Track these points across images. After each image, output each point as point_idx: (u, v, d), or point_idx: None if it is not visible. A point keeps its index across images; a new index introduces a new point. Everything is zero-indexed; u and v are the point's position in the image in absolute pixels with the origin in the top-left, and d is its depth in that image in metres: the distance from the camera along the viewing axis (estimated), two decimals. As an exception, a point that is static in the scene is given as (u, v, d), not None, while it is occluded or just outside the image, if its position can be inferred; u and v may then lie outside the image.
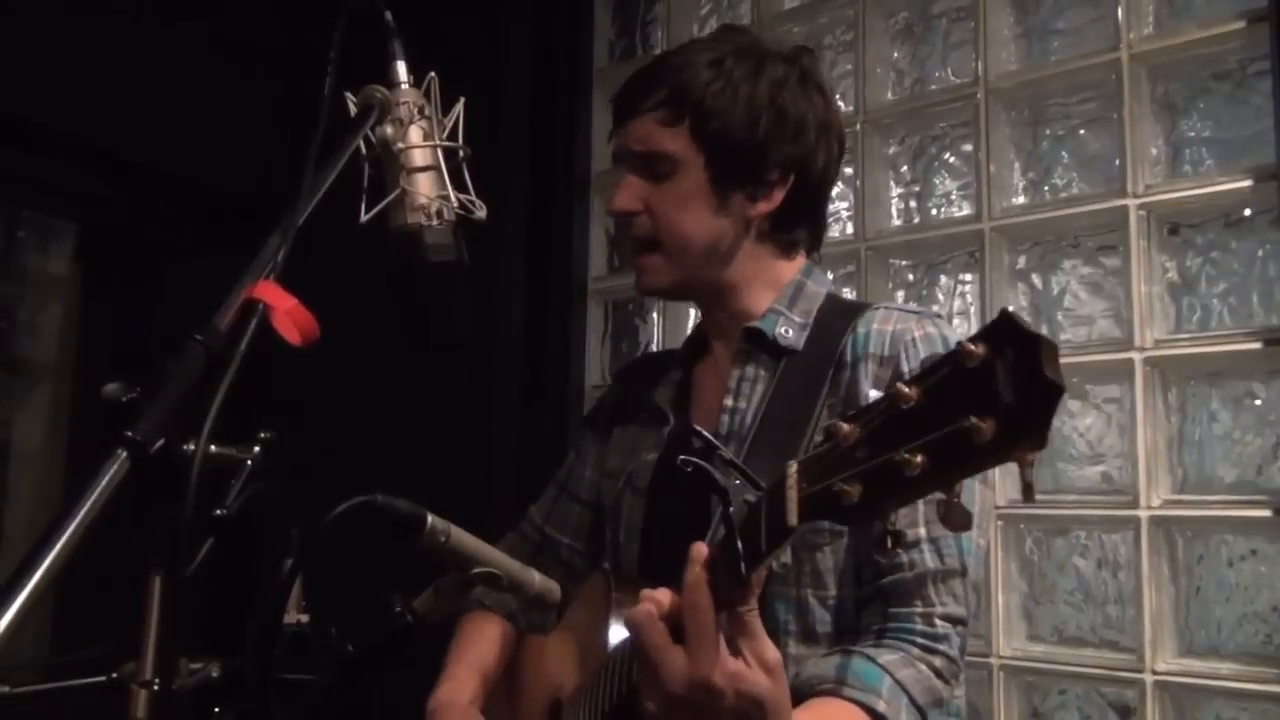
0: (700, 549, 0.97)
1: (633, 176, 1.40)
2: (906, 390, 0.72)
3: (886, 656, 1.18)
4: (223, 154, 2.81)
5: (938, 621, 1.21)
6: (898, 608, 1.22)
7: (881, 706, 1.13)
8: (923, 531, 1.23)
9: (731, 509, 0.91)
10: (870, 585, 1.25)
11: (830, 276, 2.45)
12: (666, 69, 1.39)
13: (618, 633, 1.25)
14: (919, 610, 1.21)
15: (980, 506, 1.27)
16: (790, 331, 1.38)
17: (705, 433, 0.98)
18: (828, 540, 1.28)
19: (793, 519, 0.83)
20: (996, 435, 0.66)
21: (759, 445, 1.32)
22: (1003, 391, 0.66)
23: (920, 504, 1.21)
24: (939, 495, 0.72)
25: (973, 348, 0.68)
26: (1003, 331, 0.67)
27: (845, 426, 0.77)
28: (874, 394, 0.79)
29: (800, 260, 1.46)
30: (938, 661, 1.19)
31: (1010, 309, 0.69)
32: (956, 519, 0.72)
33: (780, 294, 1.42)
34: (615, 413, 1.62)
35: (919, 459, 0.70)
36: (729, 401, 1.39)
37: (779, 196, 1.39)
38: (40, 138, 2.56)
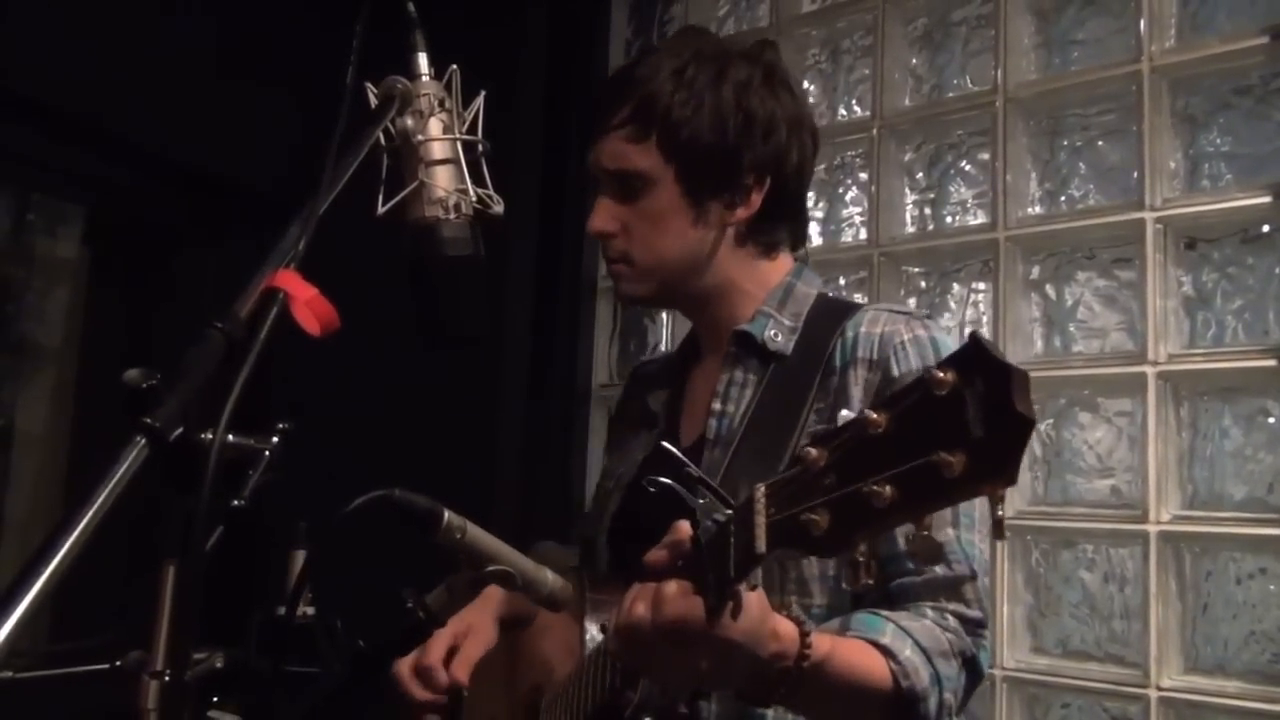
0: (658, 558, 0.97)
1: (606, 197, 1.39)
2: (875, 416, 0.70)
3: (891, 613, 1.17)
4: (236, 143, 2.80)
5: (949, 617, 1.19)
6: (907, 605, 1.20)
7: (885, 640, 1.11)
8: None
9: (700, 530, 0.90)
10: (876, 591, 1.23)
11: (842, 282, 2.46)
12: (630, 82, 1.37)
13: (593, 634, 1.26)
14: (929, 606, 1.20)
15: (979, 511, 1.24)
16: (779, 335, 1.37)
17: (672, 448, 0.97)
18: None
19: (761, 546, 0.81)
20: (966, 470, 0.65)
21: (744, 450, 1.32)
22: (972, 424, 0.64)
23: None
24: (908, 527, 0.71)
25: (942, 375, 0.66)
26: (972, 359, 0.65)
27: (813, 451, 0.76)
28: (845, 413, 0.76)
29: (788, 260, 1.45)
30: (949, 635, 1.17)
31: (980, 333, 0.67)
32: (926, 551, 0.71)
33: (769, 295, 1.40)
34: (621, 414, 1.64)
35: (888, 490, 0.69)
36: (716, 405, 1.38)
37: (757, 200, 1.37)
38: (52, 120, 2.55)
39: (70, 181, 2.92)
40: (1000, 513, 0.66)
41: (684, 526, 0.95)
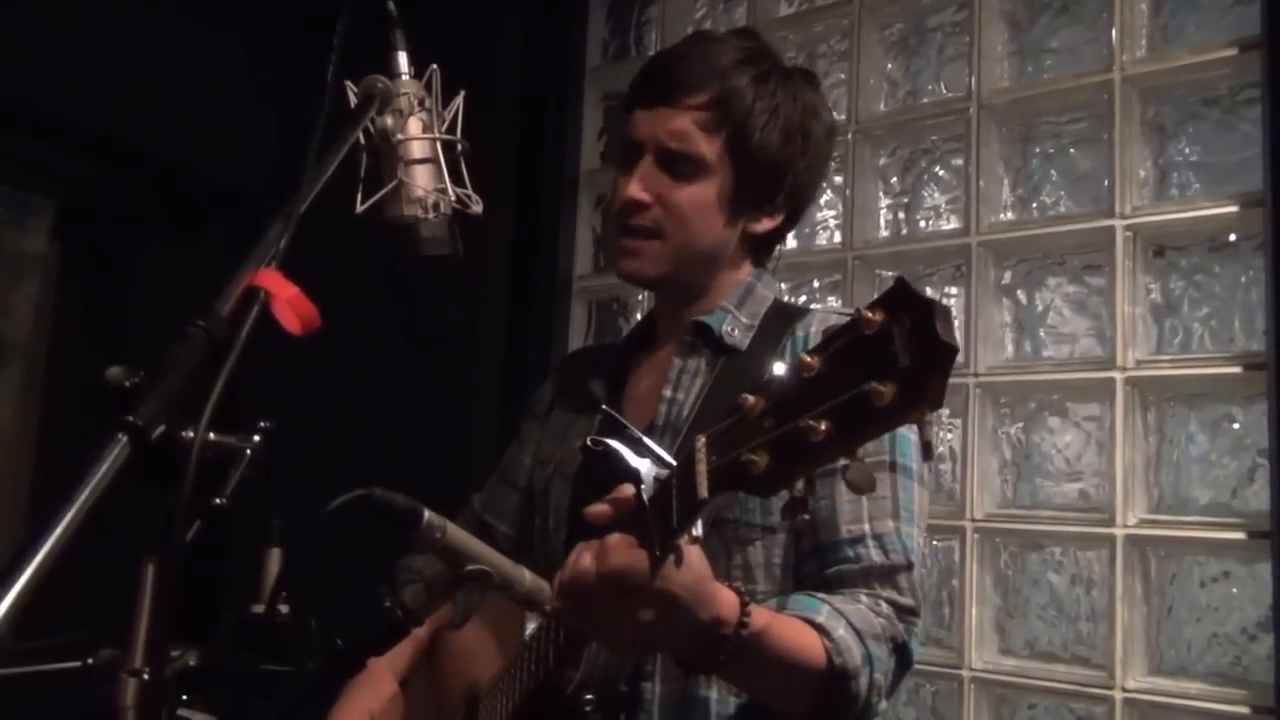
0: (600, 511, 0.98)
1: (651, 166, 1.37)
2: (809, 360, 0.74)
3: (827, 596, 1.20)
4: (209, 139, 2.78)
5: (883, 604, 1.22)
6: (843, 591, 1.24)
7: (820, 619, 1.14)
8: (866, 527, 1.25)
9: (643, 485, 0.92)
10: (814, 578, 1.26)
11: (816, 284, 2.48)
12: (710, 70, 1.36)
13: (531, 627, 1.26)
14: (864, 593, 1.23)
15: (918, 507, 1.29)
16: (736, 331, 1.40)
17: (612, 411, 1.01)
18: (759, 535, 1.29)
19: (703, 491, 0.84)
20: (896, 397, 0.69)
21: (692, 437, 1.32)
22: (900, 355, 0.68)
23: (864, 500, 1.25)
24: (842, 460, 0.75)
25: (870, 315, 0.70)
26: (898, 298, 0.70)
27: (750, 398, 0.80)
28: (779, 364, 0.80)
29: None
30: (880, 620, 1.20)
31: (904, 278, 0.72)
32: (860, 481, 0.74)
33: (730, 293, 1.43)
34: (554, 401, 1.61)
35: (823, 425, 0.72)
36: (667, 392, 1.39)
37: (780, 217, 1.42)
38: (21, 113, 2.53)
39: (40, 174, 2.89)
40: (929, 438, 0.72)
41: (628, 485, 0.97)
